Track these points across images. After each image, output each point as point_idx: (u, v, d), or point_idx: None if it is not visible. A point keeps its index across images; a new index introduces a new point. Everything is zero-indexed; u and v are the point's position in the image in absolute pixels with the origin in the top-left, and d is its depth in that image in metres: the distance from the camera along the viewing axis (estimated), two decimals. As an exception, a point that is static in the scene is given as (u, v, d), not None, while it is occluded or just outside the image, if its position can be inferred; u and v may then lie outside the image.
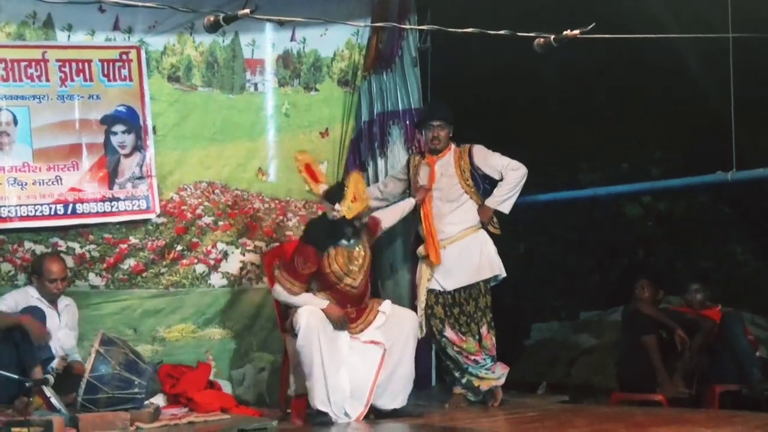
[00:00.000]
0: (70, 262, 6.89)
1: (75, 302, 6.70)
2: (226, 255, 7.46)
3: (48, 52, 6.94)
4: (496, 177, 7.11)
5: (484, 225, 7.10)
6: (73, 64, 7.00)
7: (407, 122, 7.86)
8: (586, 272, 10.26)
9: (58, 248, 6.93)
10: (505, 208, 7.12)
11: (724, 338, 6.98)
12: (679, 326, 6.95)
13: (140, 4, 4.23)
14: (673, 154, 9.48)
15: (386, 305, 6.62)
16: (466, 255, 7.06)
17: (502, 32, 4.68)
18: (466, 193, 7.12)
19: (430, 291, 7.08)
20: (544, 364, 8.73)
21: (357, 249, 6.57)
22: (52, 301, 6.54)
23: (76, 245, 6.98)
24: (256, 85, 7.68)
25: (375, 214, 6.88)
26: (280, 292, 6.42)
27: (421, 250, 7.17)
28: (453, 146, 7.22)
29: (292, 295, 6.40)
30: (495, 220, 7.13)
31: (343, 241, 6.52)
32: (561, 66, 8.57)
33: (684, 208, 9.92)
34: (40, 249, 6.90)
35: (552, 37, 4.90)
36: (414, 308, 6.98)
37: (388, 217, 7.03)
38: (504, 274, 7.15)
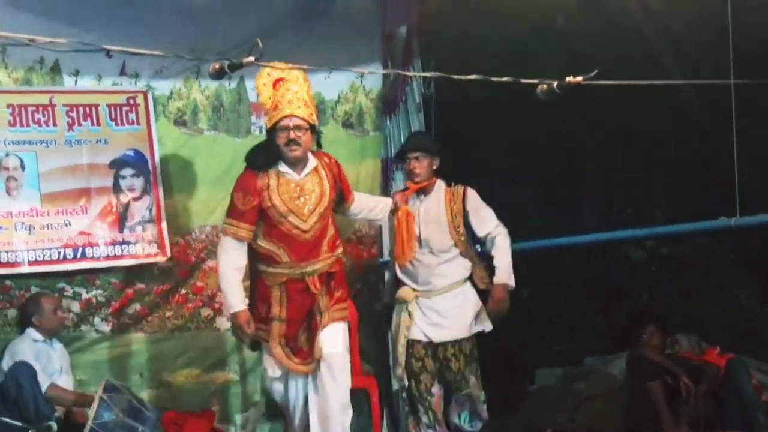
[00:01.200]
0: (76, 307, 6.92)
1: (81, 347, 6.73)
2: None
3: (55, 97, 6.99)
4: (480, 234, 6.60)
5: (493, 310, 6.49)
6: (81, 109, 7.05)
7: (411, 168, 7.91)
8: (590, 317, 10.23)
9: (65, 293, 6.96)
10: (512, 281, 6.57)
11: (729, 384, 6.97)
12: (684, 372, 6.95)
13: (146, 52, 4.27)
14: (677, 198, 9.49)
15: (338, 339, 5.91)
16: (454, 307, 6.54)
17: (505, 79, 4.72)
18: (456, 246, 6.56)
19: (416, 342, 6.53)
20: (548, 411, 8.70)
21: (309, 185, 5.84)
22: (53, 338, 6.59)
23: (82, 290, 7.00)
24: (261, 128, 7.72)
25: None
26: (219, 250, 5.84)
27: (402, 294, 6.60)
28: (442, 184, 6.68)
29: (222, 256, 5.76)
30: (484, 274, 6.62)
31: (287, 169, 5.80)
32: (565, 110, 8.61)
33: (688, 252, 9.91)
34: (45, 293, 6.87)
35: (555, 83, 4.93)
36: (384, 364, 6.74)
37: (362, 202, 6.40)
38: (489, 328, 6.62)
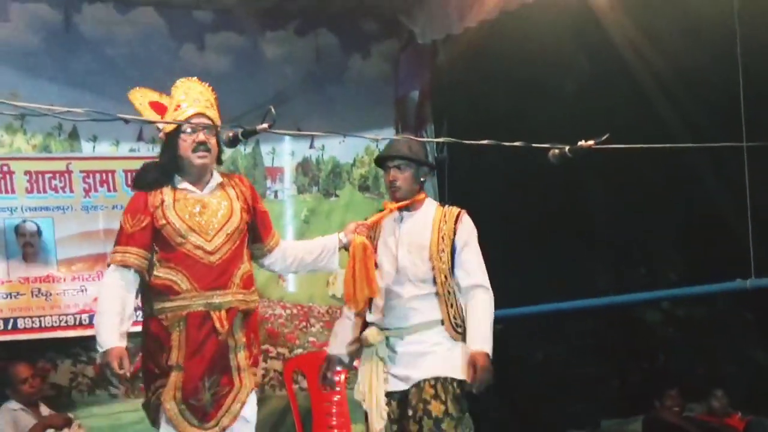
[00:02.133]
0: (90, 371, 6.93)
1: (97, 412, 6.72)
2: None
3: (72, 163, 7.03)
4: (458, 274, 5.22)
5: (478, 380, 5.07)
6: (97, 175, 7.08)
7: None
8: (606, 379, 10.21)
9: (80, 358, 6.96)
10: (490, 347, 5.20)
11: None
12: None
13: (162, 120, 4.32)
14: (691, 259, 9.50)
15: (252, 408, 4.90)
16: (436, 344, 5.17)
17: (517, 143, 4.73)
18: (435, 281, 5.21)
19: (390, 395, 5.21)
20: (566, 474, 8.66)
21: (214, 201, 4.83)
22: (33, 407, 6.51)
23: (96, 355, 6.99)
24: (276, 192, 7.77)
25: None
26: (100, 285, 4.97)
27: (367, 336, 5.25)
28: (433, 202, 5.48)
29: (101, 290, 4.85)
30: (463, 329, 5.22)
31: (186, 185, 4.83)
32: (577, 174, 8.64)
33: (703, 313, 9.90)
34: (61, 358, 6.92)
35: (567, 148, 4.95)
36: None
37: (294, 248, 5.28)
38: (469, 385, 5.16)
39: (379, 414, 5.20)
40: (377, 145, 7.98)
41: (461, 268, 5.27)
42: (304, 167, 7.86)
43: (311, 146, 7.86)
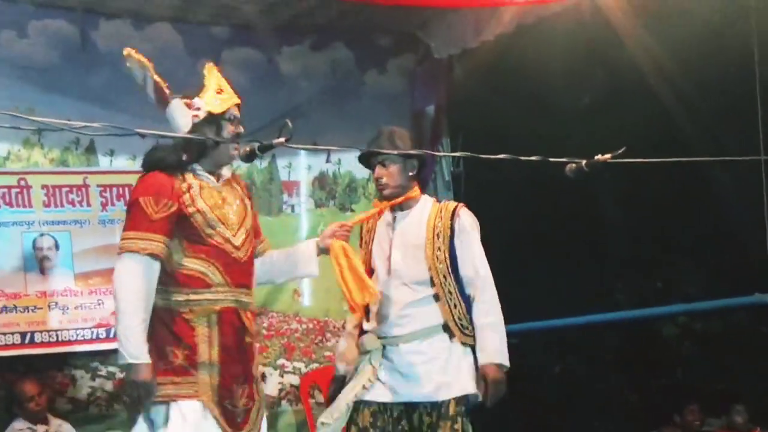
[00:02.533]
0: (109, 386, 6.94)
1: (113, 425, 6.75)
2: (263, 377, 7.42)
3: (89, 177, 7.05)
4: (463, 272, 4.92)
5: (490, 395, 4.82)
6: (114, 189, 7.09)
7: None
8: (624, 393, 10.18)
9: (98, 372, 6.98)
10: (506, 358, 4.91)
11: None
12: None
13: (177, 134, 4.32)
14: (709, 273, 9.47)
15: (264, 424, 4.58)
16: (428, 360, 4.83)
17: (533, 158, 4.71)
18: (432, 282, 4.90)
19: (363, 404, 4.84)
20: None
21: (230, 195, 4.57)
22: (41, 425, 6.51)
23: (116, 369, 6.99)
24: (292, 206, 7.78)
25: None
26: (117, 275, 4.31)
27: (364, 342, 4.95)
28: (429, 199, 5.13)
29: (126, 279, 4.26)
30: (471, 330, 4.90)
31: (204, 173, 4.51)
32: (594, 187, 8.64)
33: (721, 327, 9.87)
34: (80, 373, 6.93)
35: (584, 162, 4.92)
36: None
37: (274, 256, 4.88)
38: (479, 396, 4.88)
39: (335, 409, 4.87)
40: (393, 160, 8.00)
41: (463, 266, 4.94)
42: (320, 181, 7.87)
43: (328, 160, 7.87)
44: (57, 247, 6.92)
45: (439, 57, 7.73)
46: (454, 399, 4.81)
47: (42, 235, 6.89)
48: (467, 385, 4.85)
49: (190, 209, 4.38)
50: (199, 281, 4.38)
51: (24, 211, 6.85)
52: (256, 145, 4.26)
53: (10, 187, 6.83)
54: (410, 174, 4.98)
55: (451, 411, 4.79)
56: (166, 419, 4.30)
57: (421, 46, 7.95)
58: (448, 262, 4.91)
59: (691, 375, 10.06)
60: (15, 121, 3.47)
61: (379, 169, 4.97)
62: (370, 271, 5.00)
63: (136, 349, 4.22)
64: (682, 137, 7.85)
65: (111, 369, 7.00)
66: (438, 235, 4.93)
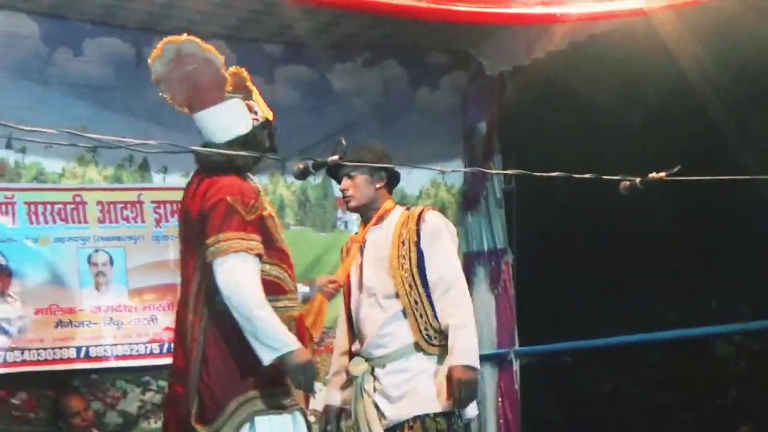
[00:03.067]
0: (158, 399, 6.97)
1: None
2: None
3: (143, 194, 7.13)
4: (430, 277, 4.80)
5: (456, 397, 4.69)
6: (168, 206, 7.15)
7: (492, 263, 7.89)
8: (676, 412, 10.07)
9: (149, 387, 7.02)
10: (476, 359, 4.77)
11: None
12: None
13: (232, 152, 4.33)
14: (765, 291, 9.36)
15: None
16: (411, 377, 4.78)
17: (587, 176, 4.70)
18: (397, 295, 4.80)
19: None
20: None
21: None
22: None
23: (165, 383, 7.04)
24: (346, 223, 7.80)
25: None
26: (232, 274, 4.09)
27: (352, 368, 4.91)
28: (399, 209, 5.02)
29: (246, 276, 4.10)
30: (440, 339, 4.79)
31: (254, 179, 4.47)
32: (646, 205, 8.57)
33: (779, 348, 9.76)
34: (131, 387, 6.98)
35: (638, 179, 4.90)
36: None
37: None
38: (470, 415, 4.87)
39: None
40: (443, 178, 8.01)
41: (429, 270, 4.81)
42: (373, 198, 7.88)
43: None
44: (112, 262, 6.99)
45: (491, 74, 7.73)
46: (438, 415, 4.75)
47: (97, 250, 6.96)
48: (443, 402, 4.76)
49: (265, 213, 4.32)
50: (278, 287, 4.32)
51: (79, 227, 6.92)
52: (310, 162, 4.27)
53: (65, 204, 6.90)
54: (377, 186, 4.93)
55: (435, 426, 4.73)
56: (276, 430, 4.21)
57: (473, 63, 7.96)
58: (413, 269, 4.80)
59: (746, 395, 9.94)
60: (72, 139, 3.50)
61: (345, 181, 4.91)
62: (348, 291, 4.96)
63: (287, 337, 4.12)
64: (734, 154, 7.79)
65: (161, 383, 7.05)
66: (403, 242, 4.83)
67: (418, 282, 4.80)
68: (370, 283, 4.88)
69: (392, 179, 5.07)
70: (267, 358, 4.09)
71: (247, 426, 4.16)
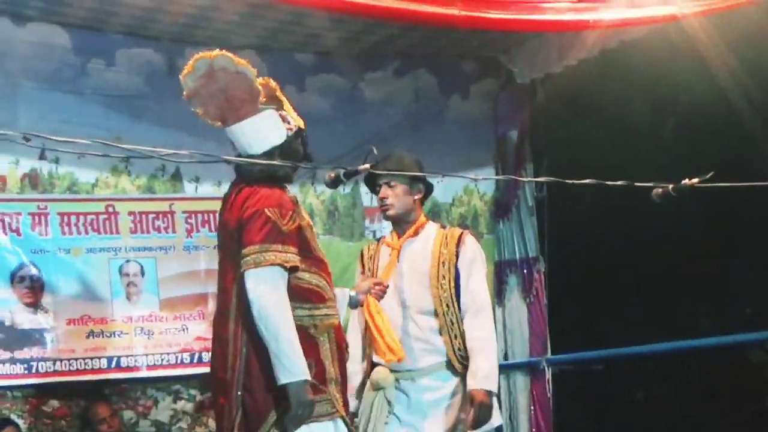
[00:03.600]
0: (190, 408, 7.01)
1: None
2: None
3: (175, 204, 7.16)
4: (462, 298, 4.99)
5: (476, 420, 4.84)
6: (199, 216, 7.18)
7: (524, 271, 7.86)
8: (711, 420, 10.01)
9: (180, 395, 7.04)
10: (495, 384, 4.97)
11: None
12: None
13: (262, 161, 4.33)
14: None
15: None
16: (445, 395, 4.97)
17: (619, 183, 4.68)
18: (436, 313, 4.95)
19: None
20: None
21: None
22: None
23: (196, 392, 7.07)
24: (374, 232, 7.79)
25: None
26: (262, 288, 4.10)
27: (377, 377, 4.98)
28: (434, 225, 5.19)
29: (275, 294, 4.10)
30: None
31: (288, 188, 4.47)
32: (679, 212, 8.52)
33: (816, 355, 9.68)
34: (161, 395, 7.00)
35: (671, 186, 4.87)
36: None
37: None
38: (496, 423, 5.03)
39: None
40: (476, 185, 7.99)
41: (465, 295, 4.98)
42: (403, 207, 7.87)
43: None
44: (143, 273, 7.01)
45: (522, 82, 7.70)
46: None
47: (128, 261, 6.99)
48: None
49: (303, 222, 4.35)
50: (317, 295, 4.34)
51: (111, 237, 6.96)
52: (342, 171, 4.27)
53: (98, 214, 6.94)
54: (415, 198, 5.07)
55: None
56: None
57: (504, 71, 7.94)
58: (452, 291, 4.96)
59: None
60: (105, 149, 3.51)
61: (384, 189, 5.02)
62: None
63: (303, 365, 4.12)
64: (766, 160, 7.73)
65: (192, 391, 7.06)
66: (443, 263, 4.98)
67: (455, 303, 4.96)
68: (406, 296, 4.99)
69: (428, 192, 5.22)
70: (283, 379, 4.11)
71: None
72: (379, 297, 4.88)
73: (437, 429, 4.92)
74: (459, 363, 4.94)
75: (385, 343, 4.84)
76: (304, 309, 4.28)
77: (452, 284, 4.96)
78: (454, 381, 4.98)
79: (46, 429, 6.70)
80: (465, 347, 4.94)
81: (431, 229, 5.12)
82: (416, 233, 5.07)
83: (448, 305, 4.95)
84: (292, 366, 4.09)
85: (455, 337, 4.95)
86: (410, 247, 5.06)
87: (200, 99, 4.39)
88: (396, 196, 5.01)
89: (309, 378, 4.13)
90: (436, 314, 4.95)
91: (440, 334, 4.95)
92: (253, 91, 4.33)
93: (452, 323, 4.95)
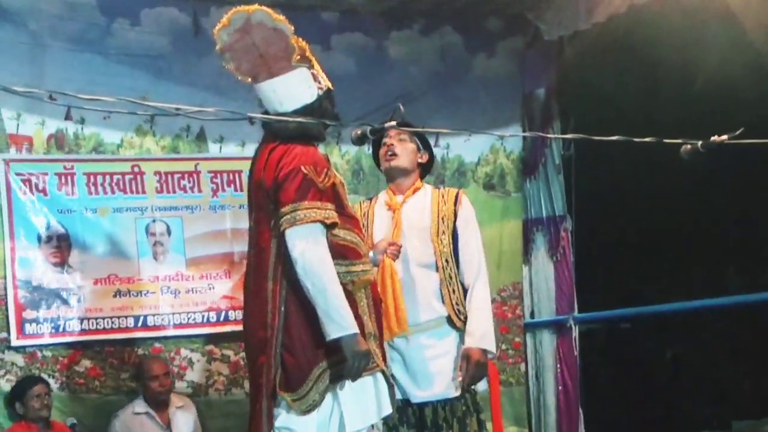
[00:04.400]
0: (225, 369, 7.04)
1: (234, 410, 6.79)
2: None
3: (200, 164, 7.16)
4: (460, 263, 5.02)
5: (469, 377, 4.89)
6: (224, 175, 7.18)
7: (551, 229, 7.83)
8: (738, 380, 9.99)
9: (213, 356, 7.05)
10: (492, 344, 5.01)
11: None
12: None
13: (288, 119, 4.30)
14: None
15: None
16: (440, 353, 4.98)
17: (647, 139, 4.63)
18: (437, 267, 4.99)
19: None
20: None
21: None
22: (161, 407, 6.58)
23: (230, 353, 7.07)
24: (399, 191, 7.79)
25: None
26: (304, 245, 4.12)
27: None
28: (427, 186, 5.25)
29: (318, 250, 4.13)
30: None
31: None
32: (707, 170, 8.46)
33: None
34: (196, 357, 7.02)
35: (699, 143, 4.82)
36: None
37: None
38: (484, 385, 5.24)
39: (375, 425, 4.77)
40: (502, 143, 7.96)
41: (465, 254, 5.05)
42: (428, 166, 7.85)
43: (436, 144, 7.82)
44: (169, 232, 7.03)
45: (550, 39, 7.63)
46: (465, 395, 4.97)
47: (155, 220, 7.01)
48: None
49: (337, 179, 4.37)
50: (354, 252, 4.35)
51: (137, 197, 6.98)
52: (368, 128, 4.24)
53: (124, 174, 6.96)
54: (419, 160, 5.14)
55: (470, 405, 4.99)
56: (358, 393, 4.30)
57: (530, 28, 7.87)
58: (450, 247, 5.01)
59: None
60: (131, 107, 3.50)
61: (392, 140, 5.05)
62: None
63: (352, 318, 4.16)
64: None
65: (225, 352, 7.08)
66: (443, 218, 5.03)
67: (453, 260, 5.02)
68: (406, 250, 4.97)
69: (429, 165, 5.32)
70: (334, 334, 4.13)
71: (331, 390, 4.24)
72: (395, 257, 4.91)
73: (435, 392, 4.95)
74: (457, 318, 4.98)
75: (396, 313, 4.87)
76: (342, 266, 4.27)
77: (450, 240, 5.01)
78: (449, 339, 5.00)
79: (78, 389, 6.75)
80: (463, 303, 5.00)
81: (427, 188, 5.19)
82: (414, 193, 5.13)
83: (447, 260, 5.00)
84: (341, 320, 4.12)
85: (453, 291, 4.99)
86: (408, 205, 5.10)
87: (234, 54, 4.35)
88: (405, 150, 5.07)
89: (358, 331, 4.15)
90: (436, 268, 5.00)
91: (440, 288, 4.99)
92: (288, 48, 4.31)
93: (450, 278, 4.99)
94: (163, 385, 6.58)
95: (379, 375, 4.35)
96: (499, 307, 7.77)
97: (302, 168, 4.23)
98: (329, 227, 4.23)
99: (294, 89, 4.36)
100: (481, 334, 4.93)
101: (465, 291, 5.03)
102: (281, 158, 4.29)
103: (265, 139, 4.51)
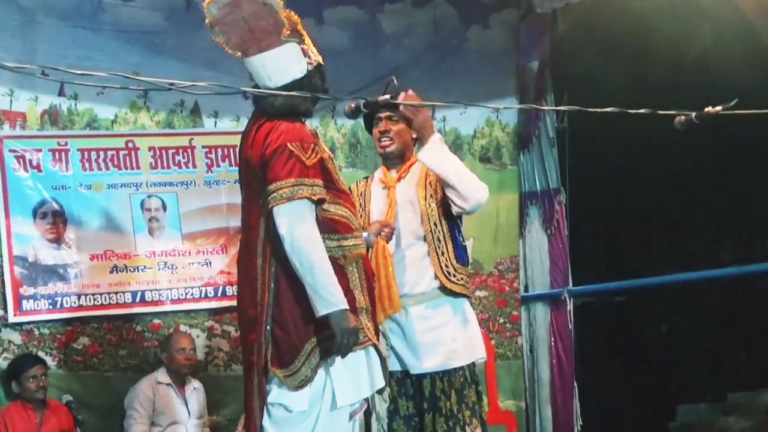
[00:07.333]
0: (225, 345, 7.06)
1: (232, 386, 6.76)
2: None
3: (195, 139, 7.16)
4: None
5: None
6: (219, 150, 7.19)
7: (546, 203, 7.85)
8: (733, 352, 10.01)
9: (214, 331, 7.08)
10: (433, 162, 4.85)
11: None
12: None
13: (282, 92, 4.29)
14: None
15: None
16: (438, 325, 4.92)
17: (641, 111, 4.63)
18: (426, 238, 4.93)
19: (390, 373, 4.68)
20: (692, 447, 8.53)
21: None
22: (181, 382, 6.64)
23: (231, 328, 7.09)
24: (396, 164, 7.79)
25: None
26: (291, 222, 4.13)
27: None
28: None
29: (306, 227, 4.14)
30: (460, 277, 4.96)
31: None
32: (702, 142, 8.47)
33: (835, 285, 9.64)
34: (196, 332, 7.03)
35: (693, 114, 4.82)
36: None
37: None
38: (484, 357, 5.12)
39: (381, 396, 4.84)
40: (498, 116, 7.95)
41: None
42: (424, 139, 7.85)
43: (432, 118, 7.83)
44: (164, 208, 7.04)
45: (543, 12, 7.62)
46: (464, 366, 4.93)
47: (150, 196, 7.02)
48: (476, 352, 4.99)
49: (324, 154, 4.36)
50: (345, 226, 4.35)
51: (132, 173, 6.99)
52: (362, 102, 4.24)
53: (118, 150, 6.96)
54: (413, 136, 5.01)
55: (468, 377, 4.93)
56: (350, 367, 4.30)
57: (523, 0, 7.86)
58: (439, 207, 4.93)
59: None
60: (124, 82, 3.50)
61: (386, 123, 4.96)
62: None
63: (340, 294, 4.16)
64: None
65: (226, 328, 7.09)
66: (430, 183, 4.96)
67: (443, 220, 4.93)
68: (401, 225, 4.95)
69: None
70: (322, 311, 4.13)
71: (323, 365, 4.24)
72: (388, 239, 4.88)
73: (434, 363, 4.90)
74: (447, 279, 4.90)
75: (388, 294, 4.82)
76: (333, 240, 4.28)
77: (440, 200, 4.93)
78: (446, 309, 4.94)
79: (76, 366, 6.78)
80: (453, 264, 4.93)
81: (419, 164, 5.06)
82: (410, 168, 5.07)
83: (435, 223, 4.92)
84: (329, 296, 4.13)
85: (442, 254, 4.92)
86: (403, 182, 5.05)
87: (223, 27, 4.31)
88: (398, 132, 4.98)
89: (347, 307, 4.15)
90: (425, 238, 4.94)
91: (428, 254, 4.92)
92: (277, 22, 4.27)
93: (439, 241, 4.92)
94: (189, 359, 6.66)
95: (372, 349, 4.37)
96: (497, 280, 7.80)
97: (288, 145, 4.21)
98: (318, 203, 4.24)
99: (283, 64, 4.33)
100: (439, 153, 4.88)
101: (458, 250, 4.99)
102: (267, 135, 4.28)
103: (254, 115, 4.50)
